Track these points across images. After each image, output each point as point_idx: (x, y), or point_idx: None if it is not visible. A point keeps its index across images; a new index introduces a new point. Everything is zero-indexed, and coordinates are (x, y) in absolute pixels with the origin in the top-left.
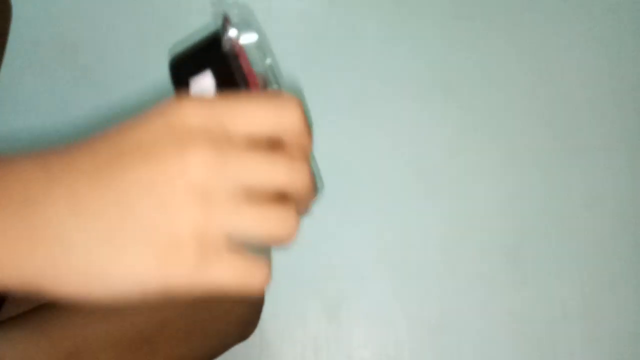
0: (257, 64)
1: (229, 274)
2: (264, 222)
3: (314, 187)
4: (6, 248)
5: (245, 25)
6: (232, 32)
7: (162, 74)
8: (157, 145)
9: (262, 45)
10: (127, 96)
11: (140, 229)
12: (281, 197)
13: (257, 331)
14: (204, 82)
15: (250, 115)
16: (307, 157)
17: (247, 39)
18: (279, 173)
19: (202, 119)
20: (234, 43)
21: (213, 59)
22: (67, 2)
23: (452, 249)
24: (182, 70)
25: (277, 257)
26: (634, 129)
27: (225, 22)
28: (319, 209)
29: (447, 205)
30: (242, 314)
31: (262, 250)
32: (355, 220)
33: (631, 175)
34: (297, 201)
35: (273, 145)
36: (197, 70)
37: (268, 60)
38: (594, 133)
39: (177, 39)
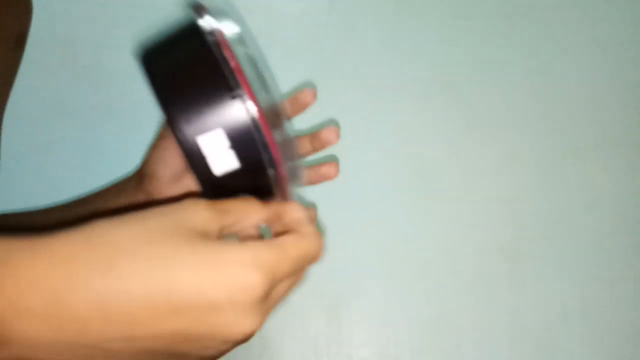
0: (239, 57)
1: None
2: (293, 283)
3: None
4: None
5: (222, 15)
6: (211, 22)
7: None
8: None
9: (243, 37)
10: (127, 96)
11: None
12: None
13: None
14: (215, 141)
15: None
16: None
17: (228, 29)
18: (300, 277)
19: (261, 287)
20: (216, 33)
21: (193, 50)
22: (66, 1)
23: (452, 249)
24: (157, 63)
25: None
26: (633, 129)
27: (201, 10)
28: (319, 208)
29: (447, 205)
30: None
31: None
32: (355, 220)
33: (631, 175)
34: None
35: None
36: (175, 61)
37: (250, 52)
38: (594, 133)
39: None
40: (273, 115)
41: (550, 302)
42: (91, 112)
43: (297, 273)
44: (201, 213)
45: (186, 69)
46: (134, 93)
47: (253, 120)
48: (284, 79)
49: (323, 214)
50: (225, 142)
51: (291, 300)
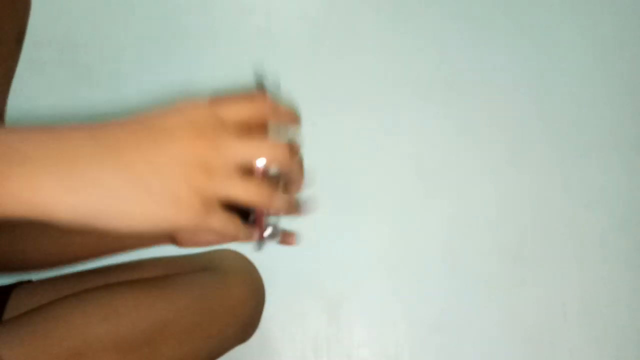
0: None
1: (217, 224)
2: (246, 192)
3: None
4: (70, 189)
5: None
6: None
7: (161, 74)
8: (179, 131)
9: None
10: (127, 96)
11: (162, 185)
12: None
13: (257, 331)
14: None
15: (237, 109)
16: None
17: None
18: (262, 150)
19: (208, 117)
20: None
21: None
22: (67, 2)
23: (452, 249)
24: None
25: (278, 257)
26: (633, 129)
27: (263, 89)
28: (319, 209)
29: (447, 205)
30: (242, 315)
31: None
32: (355, 220)
33: (631, 175)
34: (287, 180)
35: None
36: None
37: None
38: (594, 133)
39: (177, 38)
40: None
41: (550, 302)
42: (91, 112)
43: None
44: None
45: None
46: (133, 93)
47: None
48: (284, 79)
49: (323, 214)
50: None
51: (291, 300)
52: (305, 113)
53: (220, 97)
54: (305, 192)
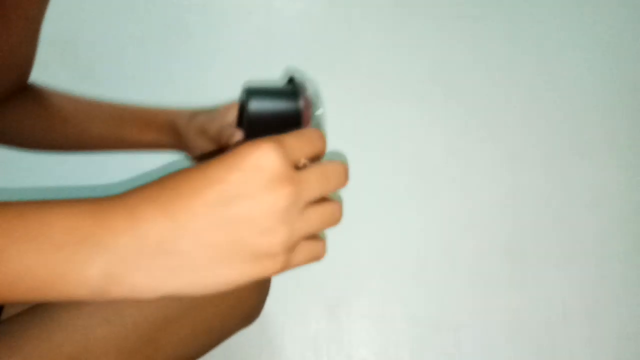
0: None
1: (302, 260)
2: (323, 219)
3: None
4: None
5: (316, 98)
6: (308, 96)
7: (161, 74)
8: (251, 186)
9: (321, 121)
10: (127, 96)
11: (246, 248)
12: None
13: (257, 330)
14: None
15: (301, 149)
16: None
17: (317, 110)
18: (330, 186)
19: (279, 161)
20: (307, 105)
21: (286, 107)
22: (67, 2)
23: (452, 248)
24: (254, 98)
25: None
26: (634, 129)
27: (303, 88)
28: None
29: (447, 205)
30: (246, 306)
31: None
32: (355, 220)
33: (631, 175)
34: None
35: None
36: (266, 104)
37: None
38: (594, 133)
39: (176, 37)
40: None
41: (550, 302)
42: None
43: (323, 175)
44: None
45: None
46: (133, 93)
47: None
48: (284, 79)
49: None
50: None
51: (291, 300)
52: None
53: (281, 137)
54: None
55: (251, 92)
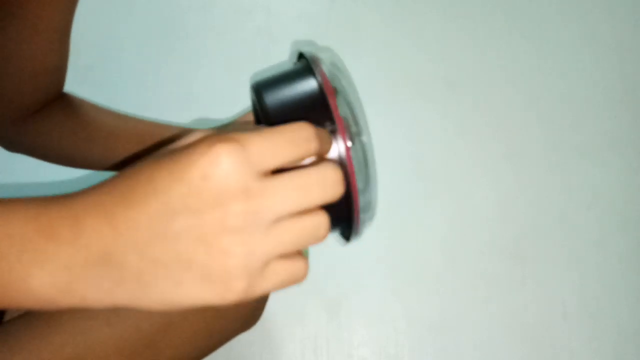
0: (341, 107)
1: (272, 285)
2: (300, 237)
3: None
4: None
5: (335, 68)
6: (325, 70)
7: (161, 74)
8: (197, 199)
9: (346, 93)
10: (127, 96)
11: (195, 269)
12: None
13: (257, 329)
14: None
15: (275, 154)
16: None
17: (337, 82)
18: (311, 198)
19: (232, 168)
20: (326, 81)
21: (304, 89)
22: None
23: (452, 248)
24: (265, 94)
25: None
26: (634, 129)
27: (316, 61)
28: None
29: (447, 205)
30: (246, 308)
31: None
32: None
33: (631, 175)
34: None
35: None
36: (280, 94)
37: (350, 108)
38: (594, 133)
39: (177, 37)
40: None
41: (550, 302)
42: None
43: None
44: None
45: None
46: (134, 93)
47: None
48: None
49: None
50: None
51: (291, 299)
52: None
53: (247, 137)
54: None
55: (260, 87)
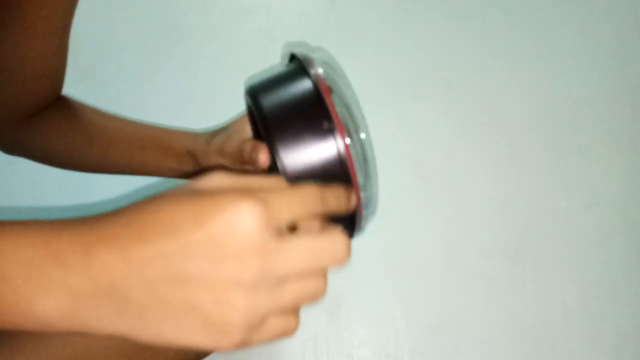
0: (337, 105)
1: (265, 338)
2: (300, 297)
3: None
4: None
5: (329, 67)
6: (319, 70)
7: (161, 74)
8: (216, 250)
9: (341, 91)
10: (127, 96)
11: (199, 314)
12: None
13: None
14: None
15: (293, 212)
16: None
17: (331, 81)
18: (320, 263)
19: (256, 227)
20: (320, 81)
21: (299, 90)
22: None
23: (452, 248)
24: (259, 97)
25: None
26: (634, 129)
27: (309, 61)
28: None
29: (447, 205)
30: None
31: None
32: None
33: (631, 175)
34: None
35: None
36: (278, 98)
37: (345, 106)
38: (594, 133)
39: (176, 37)
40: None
41: (550, 302)
42: None
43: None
44: (216, 176)
45: (294, 109)
46: (134, 93)
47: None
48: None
49: None
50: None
51: None
52: None
53: (270, 197)
54: None
55: (255, 91)
